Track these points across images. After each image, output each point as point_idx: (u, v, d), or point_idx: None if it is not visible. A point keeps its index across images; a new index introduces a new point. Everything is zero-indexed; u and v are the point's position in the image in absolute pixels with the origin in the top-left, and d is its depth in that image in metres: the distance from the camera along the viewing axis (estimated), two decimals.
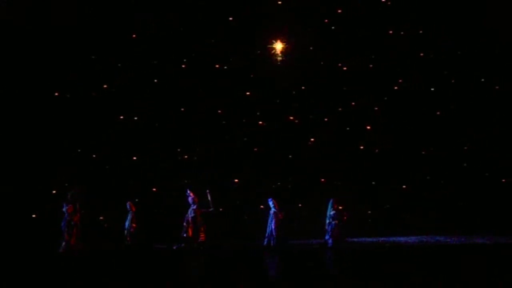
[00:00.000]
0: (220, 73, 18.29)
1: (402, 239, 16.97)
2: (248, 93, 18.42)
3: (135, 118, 17.91)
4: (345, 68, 18.62)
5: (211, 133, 18.16)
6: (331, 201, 15.62)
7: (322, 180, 18.38)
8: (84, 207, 15.24)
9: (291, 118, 18.53)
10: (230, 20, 18.24)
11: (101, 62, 17.67)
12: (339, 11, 18.46)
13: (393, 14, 18.44)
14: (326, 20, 18.49)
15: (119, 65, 17.86)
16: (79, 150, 17.53)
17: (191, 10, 18.10)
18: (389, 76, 18.59)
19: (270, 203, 15.62)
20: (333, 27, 18.47)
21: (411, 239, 16.93)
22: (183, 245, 15.23)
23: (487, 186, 18.14)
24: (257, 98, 18.37)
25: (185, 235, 15.30)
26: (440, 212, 17.70)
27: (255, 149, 18.34)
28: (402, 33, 18.43)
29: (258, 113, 18.48)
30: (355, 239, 16.62)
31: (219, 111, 18.30)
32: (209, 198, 15.46)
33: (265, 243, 15.49)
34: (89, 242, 15.37)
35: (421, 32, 18.56)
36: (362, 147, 18.54)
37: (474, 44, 18.54)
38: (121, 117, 17.87)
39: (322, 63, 18.45)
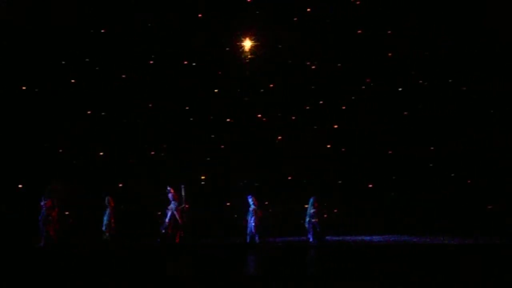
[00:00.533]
0: (188, 70, 18.32)
1: (367, 238, 17.05)
2: (216, 91, 18.46)
3: (102, 113, 17.94)
4: (313, 67, 18.65)
5: (179, 129, 18.21)
6: (311, 199, 15.73)
7: (289, 178, 18.43)
8: (62, 202, 15.33)
9: (259, 115, 18.58)
10: (200, 17, 18.25)
11: (78, 57, 17.70)
12: (309, 9, 18.45)
13: (363, 13, 18.42)
14: (295, 18, 18.48)
15: (87, 60, 17.87)
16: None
17: (161, 6, 18.10)
18: (357, 75, 18.59)
19: (250, 200, 15.70)
20: (302, 26, 18.45)
21: (376, 238, 17.00)
22: (159, 240, 15.34)
23: (456, 188, 18.20)
24: (225, 96, 18.40)
25: (163, 231, 15.37)
26: (405, 212, 17.71)
27: (222, 146, 18.39)
28: (370, 32, 18.40)
29: (226, 110, 18.51)
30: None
31: (187, 108, 18.32)
32: (183, 193, 15.52)
33: (248, 240, 15.56)
34: (67, 237, 15.49)
35: (389, 32, 18.54)
36: (329, 146, 18.58)
37: (456, 38, 18.52)
38: (88, 112, 17.90)
39: (290, 61, 18.46)
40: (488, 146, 18.00)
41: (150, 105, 18.23)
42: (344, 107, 18.62)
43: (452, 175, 18.34)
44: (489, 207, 17.70)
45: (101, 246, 15.24)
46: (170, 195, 15.42)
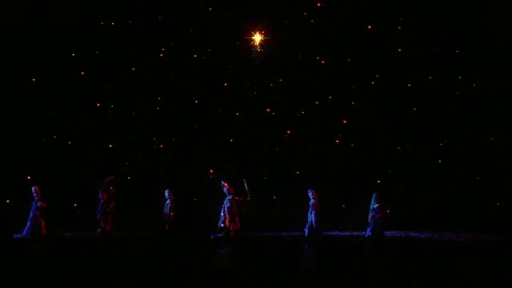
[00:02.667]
0: (198, 64, 18.31)
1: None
2: (225, 84, 18.45)
3: (112, 106, 17.95)
4: (323, 62, 18.64)
5: (187, 122, 18.21)
6: (374, 194, 15.64)
7: (297, 172, 18.43)
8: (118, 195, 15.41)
9: (268, 110, 18.58)
10: (210, 10, 18.24)
11: (77, 48, 17.69)
12: (319, 4, 18.44)
13: (373, 8, 18.41)
14: (306, 13, 18.47)
15: (96, 52, 17.87)
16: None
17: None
18: (367, 71, 18.58)
19: (310, 194, 15.67)
20: (312, 20, 18.45)
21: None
22: (220, 235, 15.27)
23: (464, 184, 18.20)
24: (234, 90, 18.39)
25: (222, 225, 15.38)
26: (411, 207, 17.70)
27: (231, 140, 18.39)
28: (380, 28, 18.38)
29: (235, 104, 18.50)
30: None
31: (196, 101, 18.32)
32: (246, 187, 15.51)
33: (306, 234, 15.55)
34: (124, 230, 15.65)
35: (399, 27, 18.52)
36: (337, 141, 18.58)
37: (457, 39, 18.53)
38: (98, 104, 17.91)
39: (300, 56, 18.45)
40: (494, 142, 18.05)
41: (159, 98, 18.21)
42: (353, 103, 18.55)
43: (461, 171, 18.29)
44: (497, 204, 17.72)
45: (160, 238, 15.21)
46: (225, 189, 15.41)
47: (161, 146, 18.29)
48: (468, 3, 18.08)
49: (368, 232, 15.27)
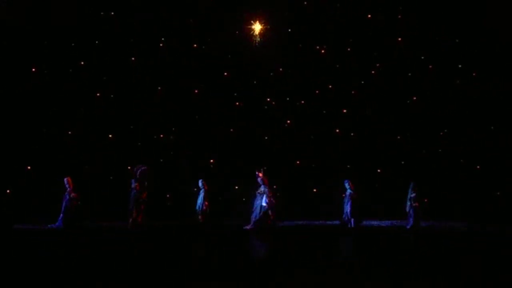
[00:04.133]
0: (198, 53, 18.28)
1: (375, 222, 17.03)
2: (225, 74, 18.43)
3: (111, 96, 17.91)
4: (323, 51, 18.64)
5: (188, 112, 18.18)
6: (412, 184, 15.70)
7: (298, 162, 18.43)
8: (151, 185, 15.34)
9: (268, 99, 18.57)
10: (210, 0, 18.20)
11: (78, 40, 17.64)
12: None
13: None
14: (305, 2, 18.45)
15: (96, 42, 17.81)
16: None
17: None
18: (367, 60, 18.59)
19: (346, 185, 15.77)
20: (312, 10, 18.43)
21: (385, 223, 17.01)
22: (255, 224, 15.14)
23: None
24: (234, 79, 18.38)
25: (259, 216, 15.15)
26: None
27: (231, 130, 18.39)
28: (380, 17, 18.38)
29: (235, 94, 18.49)
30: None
31: (196, 91, 18.30)
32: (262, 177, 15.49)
33: (342, 223, 15.66)
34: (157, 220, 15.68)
35: (399, 16, 18.53)
36: (338, 131, 18.59)
37: (457, 31, 18.56)
38: (98, 94, 17.87)
39: (300, 45, 18.44)
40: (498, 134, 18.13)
41: (159, 88, 18.18)
42: (353, 92, 18.56)
43: (461, 161, 18.33)
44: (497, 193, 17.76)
45: (195, 228, 15.18)
46: (259, 179, 15.31)
47: (161, 136, 18.23)
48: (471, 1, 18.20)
49: (411, 222, 15.37)
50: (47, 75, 17.49)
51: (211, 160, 18.15)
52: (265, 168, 15.42)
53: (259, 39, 18.07)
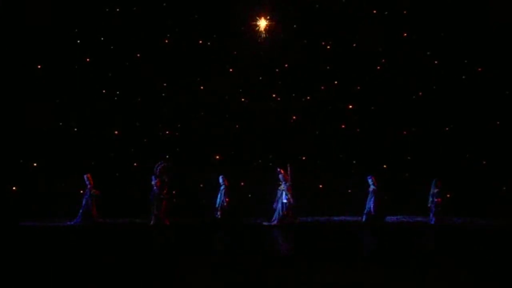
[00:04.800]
0: (203, 49, 18.23)
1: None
2: (231, 70, 18.39)
3: (117, 92, 17.88)
4: (328, 47, 18.59)
5: (192, 109, 18.14)
6: (434, 180, 15.80)
7: (303, 158, 18.40)
8: (172, 182, 15.49)
9: (274, 95, 18.53)
10: None
11: (83, 35, 17.60)
12: None
13: None
14: None
15: (101, 39, 17.77)
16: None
17: None
18: (373, 55, 18.53)
19: (370, 181, 15.80)
20: (317, 5, 18.37)
21: (390, 218, 16.97)
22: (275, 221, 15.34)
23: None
24: (239, 76, 18.33)
25: (281, 212, 15.40)
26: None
27: (237, 126, 18.35)
28: (386, 11, 18.31)
29: (240, 90, 18.45)
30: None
31: (201, 87, 18.27)
32: (289, 172, 15.52)
33: (364, 219, 15.67)
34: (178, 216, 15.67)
35: (405, 12, 18.46)
36: (343, 126, 18.55)
37: (460, 25, 18.47)
38: (103, 91, 17.85)
39: (305, 41, 18.39)
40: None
41: (164, 84, 18.15)
42: (359, 88, 18.52)
43: (467, 155, 18.27)
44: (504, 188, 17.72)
45: (215, 224, 15.26)
46: (280, 176, 15.45)
47: (167, 132, 18.21)
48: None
49: (432, 218, 15.43)
50: (52, 71, 17.45)
51: (217, 157, 18.10)
52: (290, 165, 15.32)
53: (264, 35, 18.02)
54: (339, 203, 17.50)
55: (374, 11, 18.45)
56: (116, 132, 17.86)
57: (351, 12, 18.34)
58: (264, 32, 18.01)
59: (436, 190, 15.61)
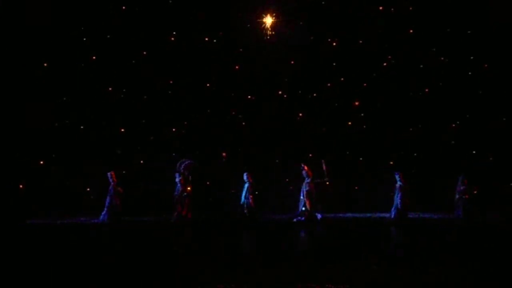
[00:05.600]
0: (209, 47, 18.19)
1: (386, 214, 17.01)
2: (237, 67, 18.37)
3: (124, 90, 17.86)
4: (334, 44, 18.56)
5: (199, 106, 18.13)
6: (461, 176, 15.82)
7: (310, 155, 18.37)
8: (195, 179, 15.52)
9: (280, 92, 18.51)
10: None
11: (88, 33, 17.55)
12: None
13: None
14: None
15: (108, 36, 17.74)
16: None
17: None
18: (379, 53, 18.49)
19: (396, 177, 15.79)
20: (323, 2, 18.34)
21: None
22: (303, 218, 15.32)
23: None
24: (246, 73, 18.31)
25: (303, 208, 15.43)
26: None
27: (243, 123, 18.33)
28: (392, 9, 18.27)
29: (246, 88, 18.43)
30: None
31: (207, 85, 18.25)
32: (324, 168, 15.52)
33: (392, 216, 15.67)
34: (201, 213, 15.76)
35: (411, 8, 18.42)
36: (350, 123, 18.53)
37: (466, 24, 18.46)
38: (110, 88, 17.81)
39: (311, 37, 18.35)
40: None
41: (170, 81, 18.12)
42: (365, 85, 18.49)
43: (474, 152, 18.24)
44: None
45: (241, 221, 15.29)
46: (304, 172, 15.47)
47: (173, 130, 18.20)
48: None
49: (459, 214, 15.52)
50: (57, 70, 17.42)
51: (223, 154, 18.09)
52: (324, 161, 15.43)
53: (270, 32, 17.98)
54: (348, 200, 17.51)
55: (380, 8, 18.36)
56: (122, 129, 17.79)
57: (356, 10, 18.27)
58: (269, 29, 17.94)
59: (462, 187, 15.63)
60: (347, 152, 18.45)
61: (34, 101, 16.80)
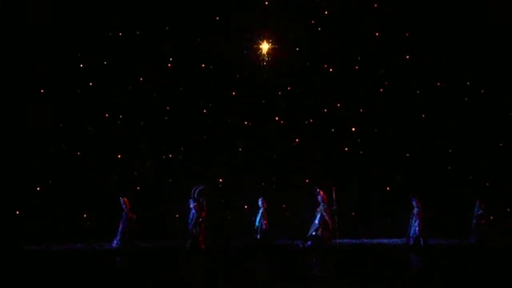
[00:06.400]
0: (206, 73, 18.26)
1: (391, 240, 17.03)
2: (233, 93, 18.42)
3: (120, 116, 17.89)
4: (331, 70, 18.62)
5: (196, 132, 18.16)
6: (478, 201, 15.65)
7: (307, 181, 18.35)
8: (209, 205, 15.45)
9: (277, 118, 18.54)
10: (217, 19, 18.21)
11: (86, 59, 17.63)
12: (326, 12, 18.44)
13: (380, 16, 18.40)
14: (313, 21, 18.46)
15: (104, 63, 17.81)
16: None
17: (177, 9, 18.07)
18: (375, 78, 18.57)
19: (414, 203, 15.66)
20: (319, 28, 18.44)
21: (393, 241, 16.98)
22: (309, 243, 15.34)
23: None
24: (242, 98, 18.35)
25: (314, 233, 15.38)
26: None
27: (240, 149, 18.35)
28: (388, 34, 18.36)
29: (243, 113, 18.46)
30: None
31: (204, 111, 18.30)
32: (334, 196, 15.50)
33: (411, 242, 15.57)
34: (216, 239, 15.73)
35: (407, 34, 18.51)
36: (346, 149, 18.53)
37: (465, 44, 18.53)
38: (107, 115, 17.84)
39: (308, 64, 18.43)
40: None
41: (168, 108, 18.17)
42: (361, 110, 18.52)
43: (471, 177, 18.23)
44: None
45: (255, 247, 15.29)
46: (319, 197, 15.43)
47: (170, 156, 18.20)
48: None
49: (472, 239, 15.33)
50: (52, 93, 17.43)
51: (220, 180, 18.07)
52: (335, 188, 15.43)
53: (267, 58, 18.06)
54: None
55: (377, 34, 18.45)
56: (118, 156, 17.79)
57: (353, 35, 18.39)
58: (266, 55, 18.02)
59: (480, 212, 15.42)
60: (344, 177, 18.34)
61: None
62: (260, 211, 15.73)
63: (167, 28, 18.06)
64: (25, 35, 16.78)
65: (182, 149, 18.25)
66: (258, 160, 18.25)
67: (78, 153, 17.49)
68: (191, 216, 15.04)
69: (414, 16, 18.48)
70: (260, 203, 15.82)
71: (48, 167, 17.16)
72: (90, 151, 17.56)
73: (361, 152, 18.48)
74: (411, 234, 15.57)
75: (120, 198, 15.61)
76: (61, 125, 17.38)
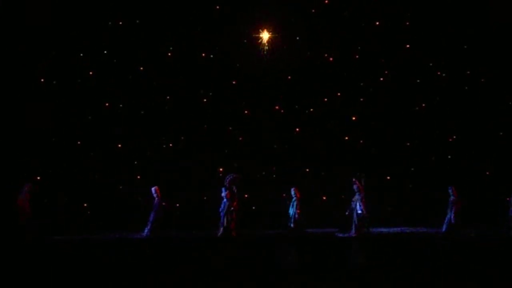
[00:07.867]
0: (206, 62, 18.21)
1: (391, 229, 17.07)
2: (234, 82, 18.39)
3: (120, 105, 17.86)
4: (331, 59, 18.59)
5: (196, 122, 18.13)
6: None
7: (307, 170, 18.38)
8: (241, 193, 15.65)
9: (277, 108, 18.52)
10: (217, 8, 18.15)
11: (85, 49, 17.57)
12: (326, 1, 18.39)
13: (381, 5, 18.36)
14: (313, 10, 18.40)
15: (104, 52, 17.76)
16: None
17: None
18: (375, 67, 18.54)
19: (450, 191, 15.76)
20: (320, 18, 18.38)
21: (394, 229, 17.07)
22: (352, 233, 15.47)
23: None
24: (243, 88, 18.32)
25: (356, 222, 15.52)
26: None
27: (240, 139, 18.34)
28: (388, 24, 18.33)
29: (243, 103, 18.44)
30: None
31: (204, 100, 18.26)
32: (362, 183, 15.74)
33: (444, 230, 15.71)
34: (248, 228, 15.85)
35: (407, 23, 18.48)
36: (347, 138, 18.54)
37: (463, 36, 18.52)
38: (107, 104, 17.81)
39: (308, 53, 18.40)
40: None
41: (168, 97, 18.14)
42: (362, 99, 18.52)
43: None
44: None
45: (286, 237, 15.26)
46: (355, 187, 15.59)
47: (170, 145, 18.20)
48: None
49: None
50: (54, 86, 17.43)
51: (220, 169, 18.07)
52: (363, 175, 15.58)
53: (267, 47, 18.02)
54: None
55: (377, 23, 18.41)
56: (119, 145, 17.78)
57: (354, 24, 18.36)
58: (267, 44, 17.98)
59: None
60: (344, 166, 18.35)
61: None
62: (293, 200, 15.82)
63: (166, 18, 17.96)
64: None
65: (182, 138, 18.19)
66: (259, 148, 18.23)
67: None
68: (222, 205, 15.15)
69: (416, 4, 18.44)
70: (292, 193, 15.90)
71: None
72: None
73: (361, 141, 18.41)
74: (445, 222, 15.70)
75: (152, 187, 15.63)
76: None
